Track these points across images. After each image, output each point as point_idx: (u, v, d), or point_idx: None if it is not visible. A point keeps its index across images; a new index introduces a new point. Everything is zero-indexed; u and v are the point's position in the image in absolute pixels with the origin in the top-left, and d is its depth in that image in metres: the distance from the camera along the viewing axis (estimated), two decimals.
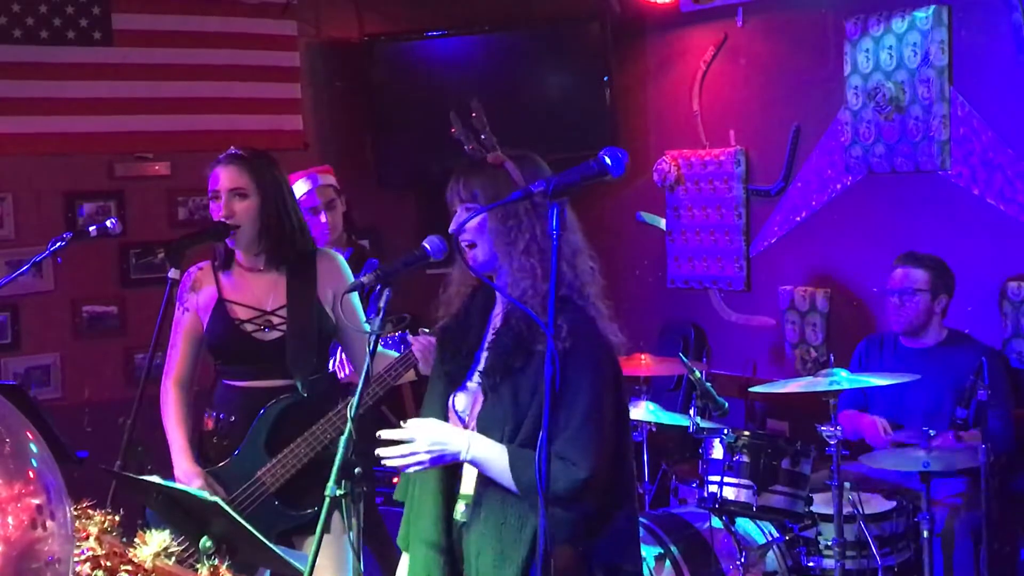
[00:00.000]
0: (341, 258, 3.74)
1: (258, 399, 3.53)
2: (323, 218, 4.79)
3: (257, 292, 3.59)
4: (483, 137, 2.82)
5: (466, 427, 2.84)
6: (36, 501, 1.60)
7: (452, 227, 2.81)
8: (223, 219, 3.52)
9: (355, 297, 3.68)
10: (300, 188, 4.83)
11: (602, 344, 2.74)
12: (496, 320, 2.87)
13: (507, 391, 2.73)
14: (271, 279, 3.60)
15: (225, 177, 3.54)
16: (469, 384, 2.85)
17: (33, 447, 1.66)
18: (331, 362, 3.91)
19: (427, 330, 3.41)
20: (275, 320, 3.55)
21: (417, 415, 2.89)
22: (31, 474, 1.62)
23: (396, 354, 3.58)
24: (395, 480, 5.24)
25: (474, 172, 2.83)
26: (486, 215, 2.74)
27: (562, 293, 2.66)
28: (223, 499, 3.31)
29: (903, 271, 4.83)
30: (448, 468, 2.88)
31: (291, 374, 3.52)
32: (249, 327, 3.55)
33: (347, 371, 4.22)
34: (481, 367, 2.82)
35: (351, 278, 3.69)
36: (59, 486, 1.66)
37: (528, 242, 2.76)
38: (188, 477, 3.46)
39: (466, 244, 2.80)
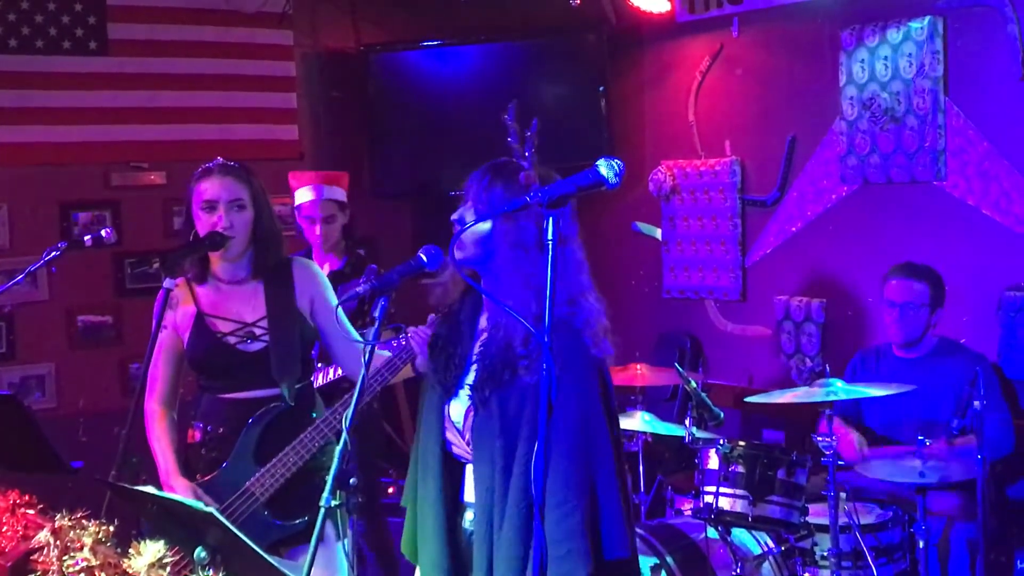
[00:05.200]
0: (316, 265, 3.74)
1: (245, 410, 3.52)
2: (317, 230, 4.82)
3: (236, 305, 3.57)
4: (527, 153, 2.82)
5: (463, 437, 2.85)
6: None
7: (454, 216, 2.84)
8: (222, 230, 3.48)
9: (334, 301, 3.68)
10: (304, 195, 4.86)
11: (589, 363, 2.76)
12: (483, 329, 2.89)
13: (496, 405, 2.76)
14: (249, 290, 3.58)
15: (223, 188, 3.51)
16: (461, 392, 2.88)
17: None
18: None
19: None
20: (257, 331, 3.54)
21: (411, 417, 2.91)
22: None
23: (389, 354, 3.57)
24: (390, 491, 5.28)
25: (500, 179, 2.84)
26: (492, 229, 2.75)
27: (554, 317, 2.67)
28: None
29: (904, 283, 4.79)
30: (449, 474, 2.90)
31: (276, 383, 3.50)
32: (232, 339, 3.53)
33: (330, 376, 4.25)
34: (470, 380, 2.83)
35: (327, 284, 3.70)
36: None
37: (528, 276, 2.76)
38: (178, 491, 3.43)
39: (461, 240, 2.82)
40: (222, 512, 3.32)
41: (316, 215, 4.83)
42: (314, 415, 3.57)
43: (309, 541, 3.45)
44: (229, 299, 3.57)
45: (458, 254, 2.83)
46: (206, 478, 3.52)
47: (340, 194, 4.91)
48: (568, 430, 2.68)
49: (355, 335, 3.66)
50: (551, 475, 2.51)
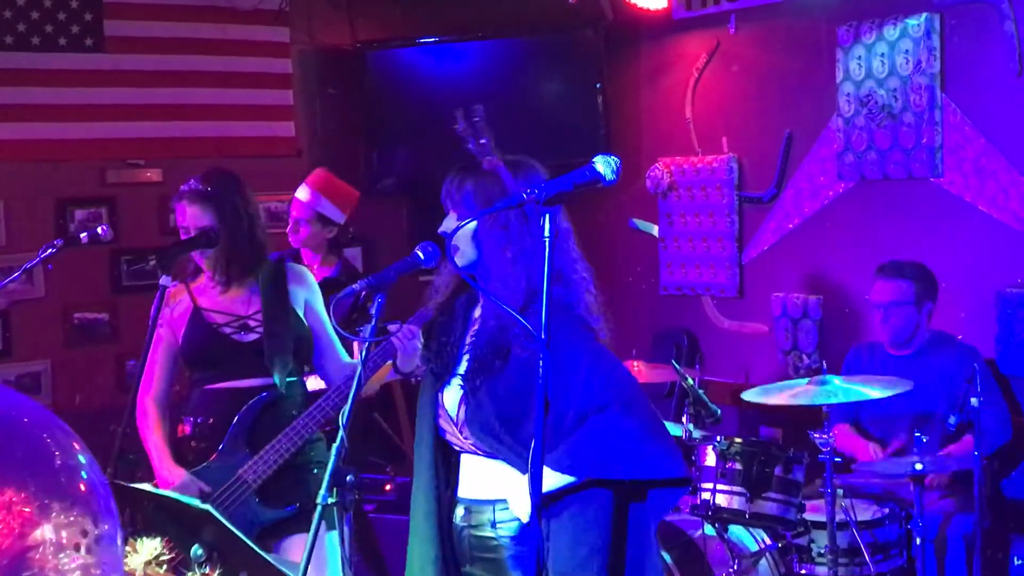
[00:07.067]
0: (308, 271, 3.87)
1: (236, 400, 3.60)
2: (289, 224, 4.83)
3: (231, 300, 3.68)
4: (482, 142, 2.83)
5: (456, 425, 2.86)
6: (86, 517, 1.57)
7: (440, 229, 2.85)
8: (200, 259, 3.65)
9: (323, 312, 3.78)
10: (299, 193, 4.87)
11: (580, 329, 2.80)
12: (476, 319, 2.90)
13: (486, 394, 2.78)
14: (244, 290, 3.69)
15: (190, 215, 3.64)
16: (454, 381, 2.90)
17: (82, 458, 1.61)
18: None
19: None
20: (251, 323, 3.64)
21: (409, 416, 2.92)
22: (82, 487, 1.58)
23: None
24: (387, 487, 5.28)
25: (468, 176, 2.86)
26: (475, 222, 2.75)
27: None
28: (206, 497, 3.41)
29: (885, 284, 4.79)
30: (443, 464, 2.92)
31: (269, 372, 3.58)
32: (227, 330, 3.64)
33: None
34: (462, 370, 2.85)
35: (318, 290, 3.81)
36: (109, 499, 1.62)
37: (515, 253, 2.78)
38: (172, 477, 3.53)
39: (453, 247, 2.82)
40: (215, 499, 3.42)
41: (290, 211, 4.85)
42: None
43: (296, 531, 3.51)
44: (225, 295, 3.68)
45: (459, 260, 2.85)
46: (200, 466, 3.58)
47: (328, 207, 4.85)
48: (581, 382, 2.73)
49: (337, 343, 3.73)
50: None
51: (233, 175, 3.77)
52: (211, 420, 3.62)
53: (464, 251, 2.84)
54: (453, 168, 2.90)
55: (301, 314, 3.69)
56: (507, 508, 2.81)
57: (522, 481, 2.73)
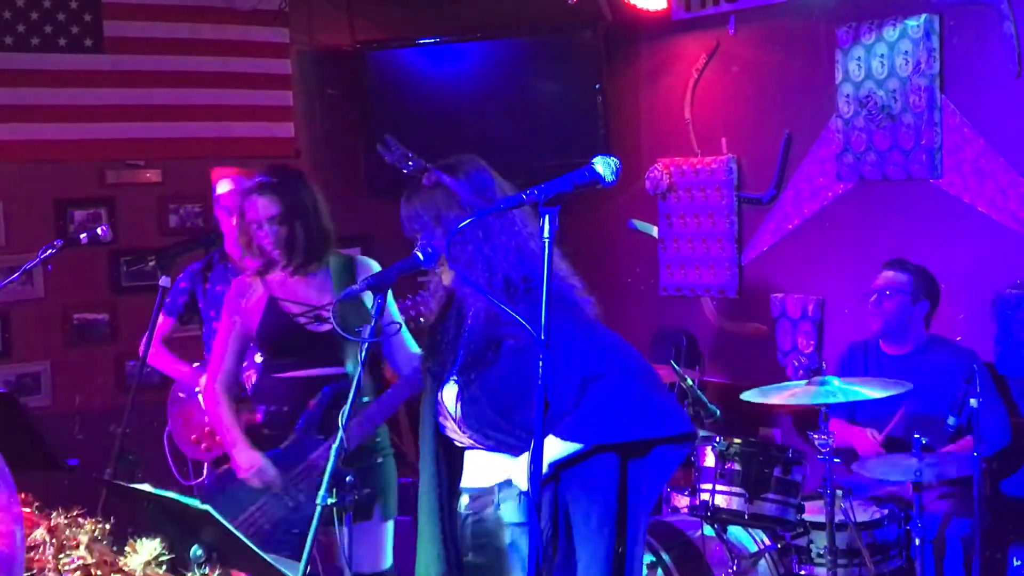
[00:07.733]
0: (376, 264, 3.99)
1: (308, 388, 3.75)
2: (233, 221, 4.76)
3: (305, 291, 3.84)
4: (411, 164, 2.88)
5: (455, 422, 2.90)
6: None
7: (419, 255, 2.91)
8: (273, 247, 3.78)
9: (391, 303, 3.85)
10: (223, 186, 4.79)
11: (571, 308, 2.83)
12: (470, 316, 2.95)
13: (478, 387, 2.84)
14: (317, 281, 3.85)
15: (263, 207, 3.78)
16: (453, 378, 2.95)
17: None
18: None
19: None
20: (324, 314, 3.79)
21: (409, 421, 2.95)
22: None
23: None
24: None
25: (414, 200, 2.92)
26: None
27: (519, 289, 2.81)
28: (279, 482, 3.65)
29: (887, 273, 4.83)
30: (446, 459, 2.98)
31: (341, 361, 3.75)
32: (302, 320, 3.79)
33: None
34: (457, 365, 2.91)
35: None
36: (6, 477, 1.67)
37: (471, 256, 2.83)
38: (251, 462, 3.68)
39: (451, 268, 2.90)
40: (288, 483, 3.64)
41: (233, 206, 4.79)
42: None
43: (359, 519, 3.66)
44: (298, 286, 3.85)
45: (447, 279, 2.93)
46: (274, 450, 3.73)
47: None
48: (578, 355, 2.76)
49: (406, 333, 3.88)
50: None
51: (295, 169, 3.98)
52: (285, 408, 3.77)
53: (457, 268, 2.89)
54: (401, 201, 2.95)
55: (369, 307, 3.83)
56: (509, 489, 2.84)
57: (523, 456, 2.77)
